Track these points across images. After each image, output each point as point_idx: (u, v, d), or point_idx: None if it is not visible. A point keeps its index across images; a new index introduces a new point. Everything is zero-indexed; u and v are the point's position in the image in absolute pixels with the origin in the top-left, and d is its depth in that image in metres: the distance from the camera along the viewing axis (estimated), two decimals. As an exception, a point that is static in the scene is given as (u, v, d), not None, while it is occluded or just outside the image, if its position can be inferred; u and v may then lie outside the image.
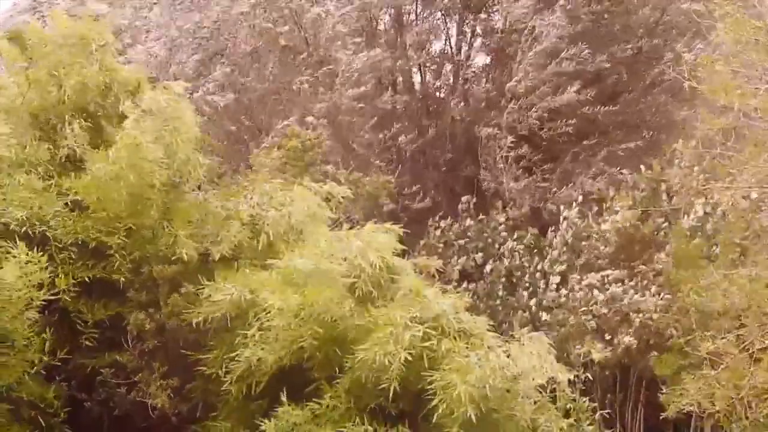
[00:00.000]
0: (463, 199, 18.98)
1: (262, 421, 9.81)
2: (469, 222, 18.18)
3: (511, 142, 19.12)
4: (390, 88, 19.80)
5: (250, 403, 10.20)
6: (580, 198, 17.86)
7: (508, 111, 19.07)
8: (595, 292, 16.36)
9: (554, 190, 19.18)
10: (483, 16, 20.26)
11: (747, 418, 12.90)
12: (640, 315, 15.77)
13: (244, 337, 10.05)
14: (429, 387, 9.64)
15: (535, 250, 17.73)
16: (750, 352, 13.08)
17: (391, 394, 9.75)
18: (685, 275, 14.11)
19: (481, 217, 18.35)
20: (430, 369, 9.68)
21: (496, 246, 18.08)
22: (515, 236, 18.00)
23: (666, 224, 16.43)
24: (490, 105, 19.95)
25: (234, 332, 10.25)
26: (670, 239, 16.03)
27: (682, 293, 13.79)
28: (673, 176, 15.78)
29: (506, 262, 17.63)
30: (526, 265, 17.44)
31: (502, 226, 18.21)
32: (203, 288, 10.55)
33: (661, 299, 15.61)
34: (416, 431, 9.92)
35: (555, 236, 17.57)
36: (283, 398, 9.81)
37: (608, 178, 18.75)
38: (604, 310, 16.09)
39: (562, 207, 17.92)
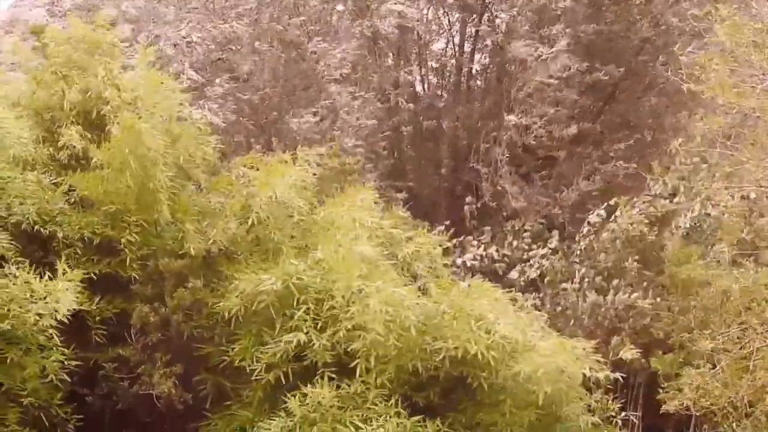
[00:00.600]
0: (468, 199, 19.04)
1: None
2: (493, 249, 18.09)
3: (509, 152, 19.23)
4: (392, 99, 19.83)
5: (279, 393, 10.30)
6: (603, 207, 17.59)
7: (505, 127, 19.13)
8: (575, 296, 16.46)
9: (555, 194, 19.24)
10: (486, 16, 20.29)
11: (747, 417, 12.91)
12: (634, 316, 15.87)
13: (287, 319, 10.19)
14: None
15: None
16: (749, 350, 13.12)
17: (439, 385, 10.27)
18: (679, 270, 14.16)
19: (511, 241, 18.24)
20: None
21: (520, 252, 18.09)
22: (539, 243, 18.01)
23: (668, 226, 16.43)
24: (490, 114, 20.04)
25: (259, 323, 10.42)
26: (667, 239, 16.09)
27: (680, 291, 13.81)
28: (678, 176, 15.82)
29: (536, 268, 17.60)
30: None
31: (527, 233, 18.20)
32: (211, 282, 10.76)
33: (660, 299, 15.64)
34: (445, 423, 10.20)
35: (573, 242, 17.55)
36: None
37: (602, 176, 18.85)
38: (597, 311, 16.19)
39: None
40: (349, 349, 10.07)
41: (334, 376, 10.07)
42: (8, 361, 9.79)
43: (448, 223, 18.08)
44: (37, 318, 9.57)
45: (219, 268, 10.98)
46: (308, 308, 10.23)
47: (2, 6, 20.66)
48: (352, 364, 10.11)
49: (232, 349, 10.57)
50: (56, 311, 9.59)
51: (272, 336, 10.24)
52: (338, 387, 10.05)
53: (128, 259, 10.80)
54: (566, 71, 18.37)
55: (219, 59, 18.56)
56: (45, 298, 9.64)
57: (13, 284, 9.63)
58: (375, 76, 19.41)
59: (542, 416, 10.42)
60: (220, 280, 10.91)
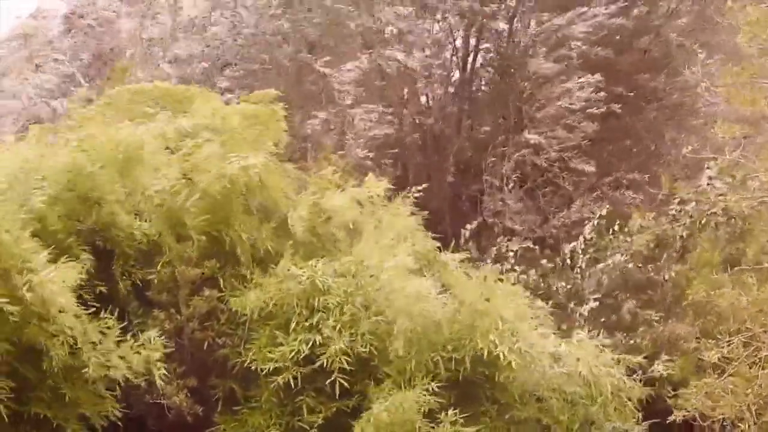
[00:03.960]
0: (468, 225, 18.97)
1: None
2: None
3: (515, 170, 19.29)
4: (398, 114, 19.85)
5: (289, 399, 10.15)
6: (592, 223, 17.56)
7: (518, 144, 19.13)
8: None
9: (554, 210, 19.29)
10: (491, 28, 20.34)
11: (755, 424, 12.90)
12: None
13: (302, 318, 10.12)
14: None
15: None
16: (756, 358, 13.12)
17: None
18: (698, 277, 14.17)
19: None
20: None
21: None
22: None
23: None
24: (498, 130, 20.05)
25: (275, 324, 10.24)
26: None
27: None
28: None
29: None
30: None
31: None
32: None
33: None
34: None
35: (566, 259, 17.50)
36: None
37: (609, 201, 18.85)
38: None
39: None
40: (365, 352, 9.98)
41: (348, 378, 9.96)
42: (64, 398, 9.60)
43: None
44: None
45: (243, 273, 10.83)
46: (328, 309, 10.14)
47: (5, 9, 20.42)
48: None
49: (245, 352, 10.41)
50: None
51: (287, 337, 10.10)
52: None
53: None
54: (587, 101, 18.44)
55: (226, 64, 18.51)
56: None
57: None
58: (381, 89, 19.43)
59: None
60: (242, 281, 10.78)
